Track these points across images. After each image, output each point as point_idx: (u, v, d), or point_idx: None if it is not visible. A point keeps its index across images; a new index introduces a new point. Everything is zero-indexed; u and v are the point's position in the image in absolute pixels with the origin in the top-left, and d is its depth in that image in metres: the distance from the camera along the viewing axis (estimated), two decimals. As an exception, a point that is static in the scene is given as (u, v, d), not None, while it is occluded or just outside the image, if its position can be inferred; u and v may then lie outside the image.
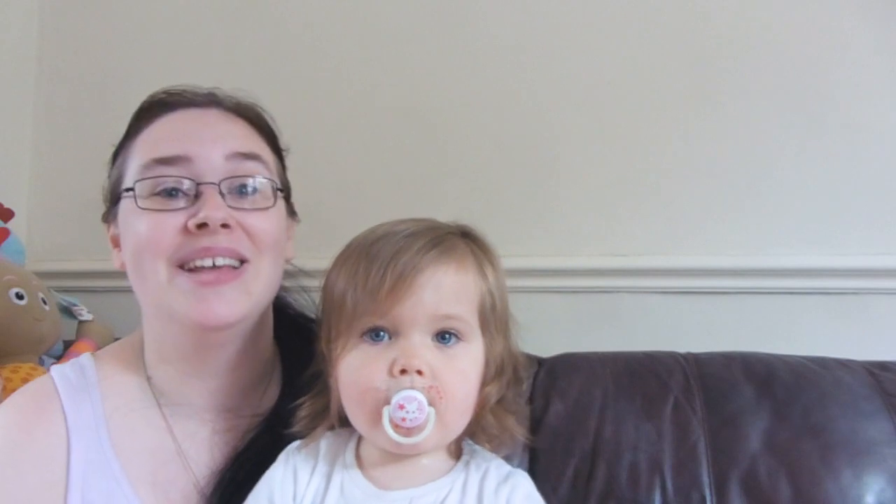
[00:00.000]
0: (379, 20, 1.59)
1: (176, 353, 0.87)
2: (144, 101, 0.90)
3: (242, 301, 0.82)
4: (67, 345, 1.46)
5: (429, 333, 0.70)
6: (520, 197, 1.46)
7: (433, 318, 0.70)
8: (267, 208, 0.85)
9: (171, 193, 0.81)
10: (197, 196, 0.81)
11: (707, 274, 1.35)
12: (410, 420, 0.66)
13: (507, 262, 1.42)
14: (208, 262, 0.80)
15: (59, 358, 1.40)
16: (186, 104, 0.88)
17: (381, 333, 0.71)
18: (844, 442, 0.98)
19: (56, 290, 1.53)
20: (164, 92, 0.90)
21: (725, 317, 1.34)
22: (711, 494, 0.98)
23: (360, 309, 0.70)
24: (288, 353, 0.95)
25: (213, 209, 0.79)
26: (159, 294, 0.81)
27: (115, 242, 0.88)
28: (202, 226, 0.79)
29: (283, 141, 0.96)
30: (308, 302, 0.98)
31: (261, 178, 0.85)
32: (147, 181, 0.82)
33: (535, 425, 1.09)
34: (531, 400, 1.12)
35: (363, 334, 0.71)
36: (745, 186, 1.34)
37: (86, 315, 1.53)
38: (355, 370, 0.71)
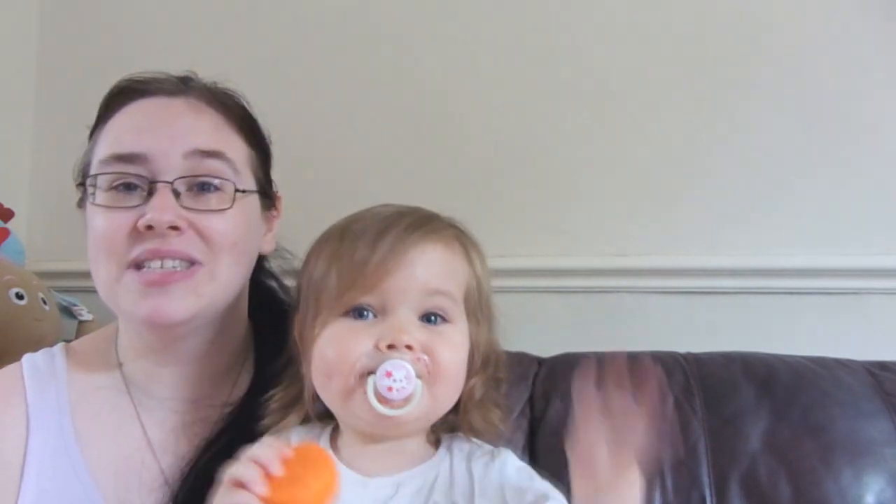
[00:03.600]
0: (379, 18, 1.59)
1: (143, 343, 0.86)
2: (112, 88, 0.87)
3: (190, 301, 0.79)
4: (67, 345, 1.46)
5: (416, 312, 0.68)
6: (520, 197, 1.46)
7: (423, 293, 0.68)
8: (224, 209, 0.81)
9: (129, 188, 0.80)
10: (150, 194, 0.79)
11: (707, 274, 1.35)
12: (398, 390, 0.63)
13: (507, 262, 1.41)
14: (157, 265, 0.78)
15: (59, 358, 1.40)
16: (153, 92, 0.85)
17: (366, 312, 0.68)
18: (844, 442, 0.98)
19: (56, 290, 1.53)
20: (130, 79, 0.87)
21: (725, 317, 1.33)
22: (711, 494, 0.98)
23: (344, 284, 0.68)
24: (263, 342, 0.91)
25: (161, 211, 0.77)
26: (107, 291, 0.81)
27: None
28: (150, 227, 0.77)
29: (268, 130, 0.93)
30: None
31: (219, 180, 0.81)
32: (104, 176, 0.81)
33: (535, 425, 1.09)
34: (531, 400, 1.12)
35: (346, 313, 0.68)
36: (746, 186, 1.34)
37: (86, 315, 1.53)
38: (335, 341, 0.68)
